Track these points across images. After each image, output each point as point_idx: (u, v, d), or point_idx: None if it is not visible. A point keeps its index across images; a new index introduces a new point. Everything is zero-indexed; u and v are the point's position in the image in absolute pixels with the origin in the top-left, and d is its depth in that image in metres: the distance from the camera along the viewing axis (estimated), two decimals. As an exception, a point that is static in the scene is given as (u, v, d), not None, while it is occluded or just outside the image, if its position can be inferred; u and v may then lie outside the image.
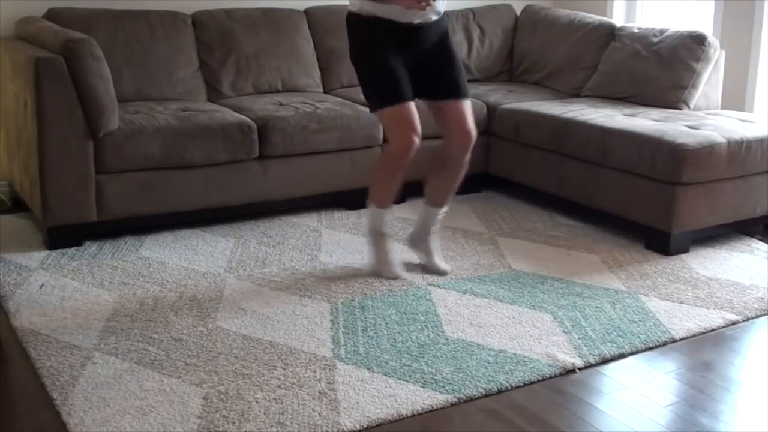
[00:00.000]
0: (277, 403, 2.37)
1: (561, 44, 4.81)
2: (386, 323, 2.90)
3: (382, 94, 3.11)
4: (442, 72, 3.21)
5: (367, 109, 3.36)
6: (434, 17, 3.14)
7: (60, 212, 3.46)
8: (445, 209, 3.39)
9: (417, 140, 3.10)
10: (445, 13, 3.23)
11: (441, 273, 3.35)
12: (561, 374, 2.60)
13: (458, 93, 3.22)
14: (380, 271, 3.30)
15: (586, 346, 2.77)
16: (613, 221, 3.86)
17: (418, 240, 3.42)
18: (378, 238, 3.31)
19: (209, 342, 2.73)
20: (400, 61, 3.12)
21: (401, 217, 4.05)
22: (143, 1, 4.22)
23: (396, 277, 3.26)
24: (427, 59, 3.18)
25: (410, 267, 3.40)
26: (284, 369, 2.56)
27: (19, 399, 2.44)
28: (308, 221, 3.96)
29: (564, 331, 2.87)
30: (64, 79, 3.36)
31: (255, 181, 3.83)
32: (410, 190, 4.29)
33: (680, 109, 4.17)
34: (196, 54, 4.24)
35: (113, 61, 3.73)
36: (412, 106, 3.11)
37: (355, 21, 3.15)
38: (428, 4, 2.94)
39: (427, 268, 3.38)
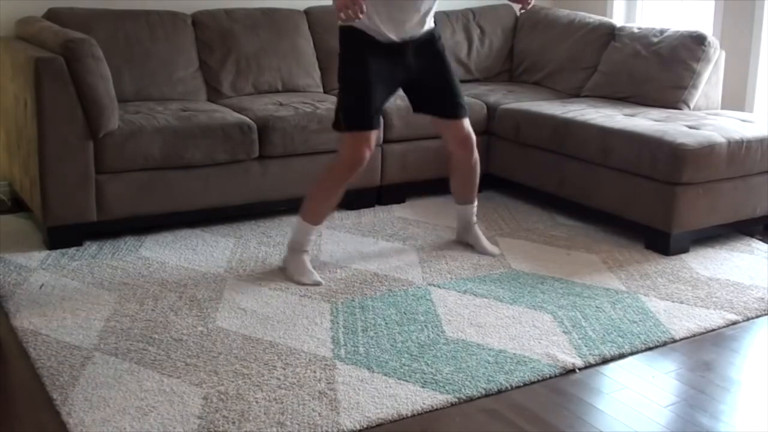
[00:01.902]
0: (277, 403, 2.37)
1: (561, 44, 4.81)
2: (386, 323, 2.90)
3: (355, 119, 3.16)
4: (438, 90, 3.33)
5: None
6: (419, 33, 3.18)
7: (60, 212, 3.46)
8: (474, 204, 3.62)
9: (368, 156, 3.19)
10: (437, 26, 3.29)
11: (491, 254, 3.57)
12: (561, 374, 2.60)
13: (458, 114, 3.37)
14: (300, 279, 3.23)
15: (586, 346, 2.77)
16: (613, 221, 3.86)
17: (465, 234, 3.66)
18: (297, 252, 3.29)
19: (209, 342, 2.73)
20: (385, 79, 3.16)
21: (401, 217, 4.05)
22: (143, 1, 4.22)
23: (316, 283, 3.21)
24: (424, 76, 3.26)
25: (404, 261, 3.42)
26: (284, 369, 2.56)
27: (19, 399, 2.43)
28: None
29: (564, 331, 2.87)
30: (64, 79, 3.36)
31: (255, 181, 3.83)
32: (410, 190, 4.32)
33: (680, 109, 4.17)
34: (196, 54, 4.24)
35: (113, 61, 3.73)
36: (374, 134, 3.20)
37: (345, 31, 3.17)
38: (357, 17, 2.85)
39: (479, 252, 3.60)
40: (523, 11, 3.36)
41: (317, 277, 3.25)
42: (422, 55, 3.23)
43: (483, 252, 3.58)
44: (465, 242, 3.67)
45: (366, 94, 3.13)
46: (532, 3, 3.24)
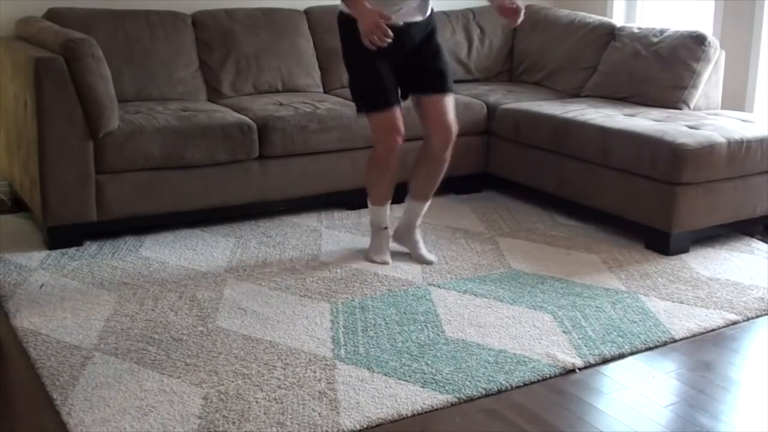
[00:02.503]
0: (277, 403, 2.37)
1: (561, 44, 4.81)
2: (386, 323, 2.90)
3: (370, 99, 3.24)
4: (425, 66, 3.31)
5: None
6: (419, 18, 3.21)
7: (60, 212, 3.46)
8: (427, 203, 3.51)
9: (400, 141, 3.27)
10: (432, 13, 3.31)
11: (427, 263, 3.46)
12: (561, 374, 2.60)
13: (440, 87, 3.30)
14: (372, 256, 3.46)
15: (586, 346, 2.77)
16: (613, 221, 3.86)
17: (404, 234, 3.54)
18: (377, 230, 3.49)
19: (209, 342, 2.73)
20: (389, 63, 3.20)
21: (401, 217, 4.04)
22: (143, 1, 4.22)
23: (383, 262, 3.43)
24: (415, 56, 3.28)
25: (404, 261, 3.45)
26: (284, 369, 2.56)
27: (19, 399, 2.43)
28: (308, 221, 3.96)
29: (564, 331, 2.87)
30: (64, 79, 3.36)
31: (255, 181, 3.83)
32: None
33: (680, 109, 4.17)
34: (196, 54, 4.24)
35: (113, 61, 3.73)
36: (398, 110, 3.25)
37: (344, 21, 3.21)
38: (382, 43, 2.97)
39: (415, 259, 3.48)
40: (510, 26, 3.34)
41: (387, 257, 3.45)
42: (417, 41, 3.25)
43: (419, 260, 3.45)
44: (401, 245, 3.53)
45: (373, 74, 3.18)
46: (520, 20, 3.14)
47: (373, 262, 3.43)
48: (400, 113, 3.25)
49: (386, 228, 3.49)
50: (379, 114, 3.22)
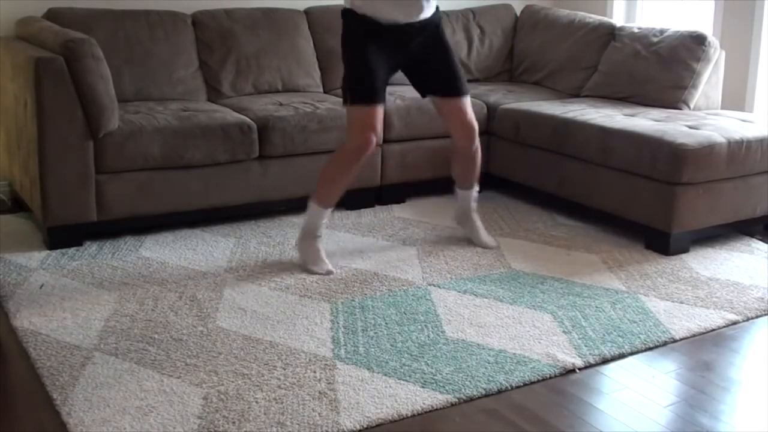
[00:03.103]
0: (277, 403, 2.37)
1: (561, 44, 4.81)
2: (386, 323, 2.90)
3: (356, 91, 3.25)
4: (439, 70, 3.38)
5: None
6: (422, 17, 3.24)
7: (60, 212, 3.46)
8: (476, 189, 3.65)
9: (374, 141, 3.25)
10: (437, 10, 3.33)
11: (487, 246, 3.62)
12: (561, 374, 2.60)
13: (458, 91, 3.41)
14: (312, 268, 3.33)
15: (586, 346, 2.77)
16: (613, 221, 3.86)
17: (463, 219, 3.71)
18: (310, 238, 3.37)
19: (209, 342, 2.73)
20: (386, 61, 3.24)
21: (401, 217, 4.05)
22: (143, 1, 4.22)
23: (328, 272, 3.31)
24: (423, 57, 3.33)
25: (404, 261, 3.43)
26: (284, 369, 2.56)
27: (19, 399, 2.43)
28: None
29: (564, 331, 2.87)
30: (64, 79, 3.36)
31: (255, 181, 3.83)
32: (410, 190, 4.32)
33: (680, 109, 4.17)
34: (196, 54, 4.24)
35: (113, 61, 3.73)
36: (380, 109, 3.26)
37: (347, 17, 3.27)
38: None
39: (476, 243, 3.65)
40: None
41: (329, 266, 3.33)
42: (424, 39, 3.29)
43: (479, 244, 3.62)
44: (463, 229, 3.69)
45: (366, 68, 3.20)
46: None
47: (314, 273, 3.29)
48: (382, 114, 3.27)
49: (320, 236, 3.38)
50: (361, 108, 3.22)
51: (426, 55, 3.33)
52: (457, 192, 3.68)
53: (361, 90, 3.23)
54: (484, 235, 3.66)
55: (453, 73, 3.39)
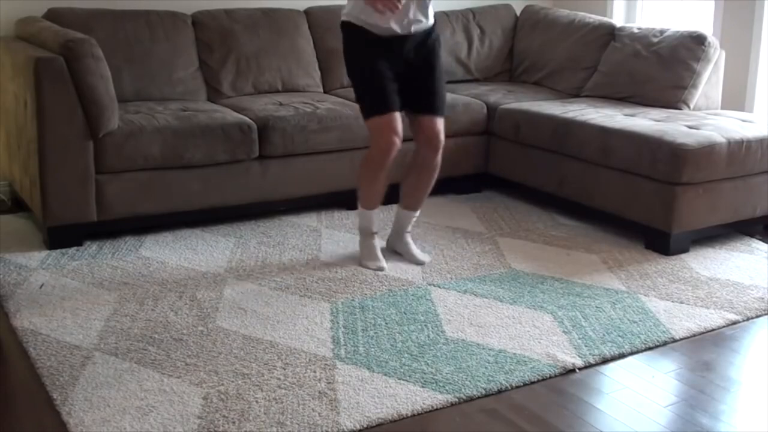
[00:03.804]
0: (277, 403, 2.37)
1: (561, 44, 4.81)
2: (386, 323, 2.90)
3: (372, 103, 3.25)
4: (420, 87, 3.33)
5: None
6: (417, 29, 3.22)
7: (60, 212, 3.46)
8: (417, 213, 3.54)
9: (398, 143, 3.25)
10: (436, 24, 3.32)
11: (420, 263, 3.46)
12: (561, 374, 2.60)
13: (433, 109, 3.34)
14: (366, 263, 3.41)
15: (586, 346, 2.77)
16: (613, 221, 3.86)
17: (395, 241, 3.57)
18: (367, 236, 3.45)
19: (209, 342, 2.73)
20: (389, 68, 3.22)
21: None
22: (143, 1, 4.22)
23: (379, 269, 3.37)
24: (413, 71, 3.29)
25: (403, 261, 3.45)
26: (284, 369, 2.56)
27: (19, 399, 2.44)
28: (308, 221, 3.96)
29: (564, 331, 2.87)
30: (64, 79, 3.36)
31: (255, 181, 3.83)
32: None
33: (680, 109, 4.17)
34: (196, 54, 4.24)
35: (113, 61, 3.73)
36: (398, 114, 3.25)
37: (346, 29, 3.27)
38: (396, 8, 3.04)
39: (409, 261, 3.49)
40: None
41: (383, 263, 3.40)
42: (419, 53, 3.27)
43: (413, 261, 3.46)
44: (393, 251, 3.54)
45: (375, 78, 3.20)
46: None
47: (367, 268, 3.38)
48: (399, 118, 3.25)
49: (376, 233, 3.47)
50: (379, 117, 3.22)
51: (416, 71, 3.28)
52: (397, 211, 3.53)
53: (375, 102, 3.23)
54: (418, 252, 3.51)
55: (434, 95, 3.33)
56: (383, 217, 4.03)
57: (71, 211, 3.48)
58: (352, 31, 3.24)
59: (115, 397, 2.38)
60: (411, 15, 3.20)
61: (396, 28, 3.19)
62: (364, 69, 3.25)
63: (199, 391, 2.42)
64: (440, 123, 3.36)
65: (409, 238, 3.54)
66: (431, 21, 3.29)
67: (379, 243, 3.50)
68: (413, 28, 3.22)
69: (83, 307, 2.97)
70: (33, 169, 3.48)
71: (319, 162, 3.97)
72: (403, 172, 3.49)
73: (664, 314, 3.03)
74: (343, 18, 3.28)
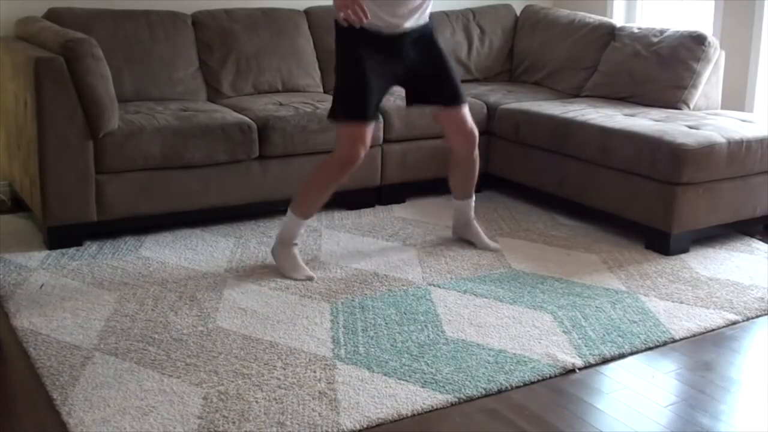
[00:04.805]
0: (277, 403, 2.37)
1: (561, 44, 4.81)
2: (386, 323, 2.90)
3: (348, 107, 3.18)
4: (438, 80, 3.33)
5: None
6: (410, 26, 3.18)
7: (60, 212, 3.46)
8: (473, 198, 3.66)
9: (363, 155, 3.20)
10: (431, 19, 3.30)
11: (492, 250, 3.62)
12: (561, 374, 2.60)
13: (457, 100, 3.37)
14: (292, 275, 3.28)
15: (586, 346, 2.77)
16: (613, 221, 3.86)
17: (464, 230, 3.69)
18: (288, 246, 3.33)
19: (209, 342, 2.73)
20: (381, 74, 3.17)
21: (401, 217, 4.05)
22: (143, 1, 4.22)
23: (308, 278, 3.26)
24: (420, 67, 3.27)
25: (403, 261, 3.43)
26: (284, 369, 2.56)
27: (19, 399, 2.44)
28: (308, 221, 3.95)
29: (564, 331, 2.87)
30: (64, 79, 3.36)
31: (255, 181, 3.83)
32: (410, 190, 4.32)
33: (680, 109, 4.17)
34: (196, 54, 4.24)
35: (113, 61, 3.73)
36: (371, 125, 3.21)
37: (340, 27, 3.17)
38: (359, 19, 2.93)
39: (480, 248, 3.64)
40: None
41: (309, 272, 3.29)
42: (418, 47, 3.24)
43: (484, 247, 3.62)
44: (465, 239, 3.68)
45: (360, 84, 3.14)
46: None
47: (295, 279, 3.25)
48: (372, 128, 3.21)
49: (296, 244, 3.35)
50: (353, 125, 3.15)
51: (422, 64, 3.26)
52: (455, 203, 3.67)
53: (354, 108, 3.15)
54: (488, 240, 3.66)
55: (451, 82, 3.34)
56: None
57: (71, 211, 3.48)
58: (347, 29, 3.09)
59: (115, 397, 2.38)
60: (407, 14, 3.16)
61: (387, 26, 3.12)
62: (352, 70, 3.16)
63: (199, 391, 2.42)
64: (468, 115, 3.41)
65: (477, 226, 3.67)
66: (425, 17, 3.25)
67: (298, 253, 3.36)
68: (407, 26, 3.16)
69: (83, 307, 2.97)
70: (33, 169, 3.48)
71: (319, 162, 3.96)
72: (449, 168, 3.61)
73: (664, 314, 3.03)
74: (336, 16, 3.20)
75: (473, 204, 3.67)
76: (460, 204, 3.66)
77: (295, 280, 3.25)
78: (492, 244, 3.65)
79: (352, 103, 3.16)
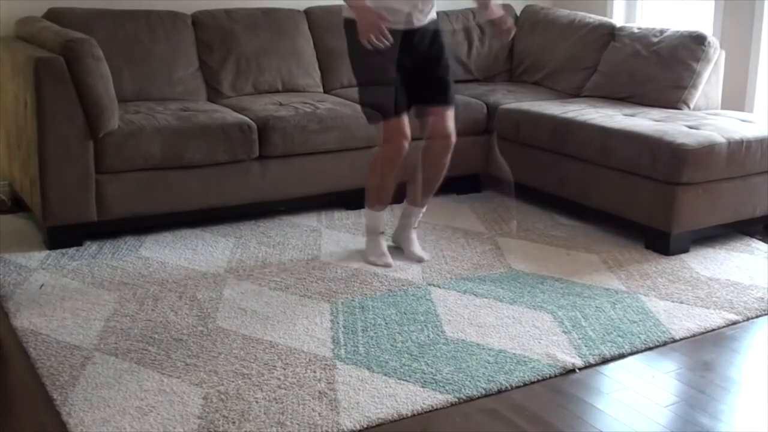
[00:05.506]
0: (277, 403, 2.37)
1: (561, 44, 4.81)
2: (386, 323, 2.90)
3: (382, 108, 3.22)
4: (429, 75, 3.32)
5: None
6: (421, 23, 3.20)
7: (60, 212, 3.46)
8: (423, 209, 3.57)
9: (407, 145, 3.24)
10: (438, 15, 3.33)
11: (419, 260, 3.47)
12: (561, 374, 2.60)
13: (443, 99, 3.35)
14: (372, 260, 3.43)
15: (586, 346, 2.77)
16: (613, 221, 3.86)
17: (399, 236, 3.60)
18: (374, 235, 3.47)
19: (209, 342, 2.73)
20: (395, 67, 3.18)
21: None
22: (143, 1, 4.22)
23: (386, 265, 3.40)
24: (420, 64, 3.27)
25: (404, 260, 3.46)
26: (284, 369, 2.56)
27: (19, 399, 2.44)
28: (308, 221, 3.96)
29: (564, 331, 2.87)
30: (64, 79, 3.36)
31: (255, 181, 3.83)
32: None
33: (680, 109, 4.17)
34: (196, 54, 4.24)
35: (113, 61, 3.73)
36: (406, 117, 3.25)
37: (349, 27, 3.16)
38: (382, 44, 2.98)
39: (407, 257, 3.50)
40: (502, 44, 3.39)
41: (389, 259, 3.42)
42: (424, 45, 3.25)
43: (411, 257, 3.48)
44: (396, 245, 3.57)
45: (382, 79, 3.17)
46: (512, 35, 3.28)
47: (374, 265, 3.40)
48: (407, 119, 3.25)
49: (383, 233, 3.49)
50: (389, 122, 3.22)
51: (423, 63, 3.26)
52: (404, 208, 3.56)
53: (384, 105, 3.20)
54: (419, 250, 3.52)
55: (443, 81, 3.33)
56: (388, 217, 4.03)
57: (71, 211, 3.48)
58: (354, 30, 3.06)
59: (115, 397, 2.38)
60: (414, 11, 3.16)
61: (399, 24, 3.13)
62: (372, 71, 3.19)
63: (199, 391, 2.42)
64: (452, 119, 3.37)
65: (413, 235, 3.56)
66: (433, 14, 3.28)
67: (386, 242, 3.51)
68: (418, 23, 3.18)
69: (83, 307, 2.97)
70: (33, 169, 3.48)
71: (319, 162, 3.97)
72: (411, 169, 3.48)
73: (664, 314, 3.03)
74: (345, 15, 3.20)
75: (420, 215, 3.55)
76: (411, 210, 3.53)
77: (375, 265, 3.38)
78: (422, 253, 3.50)
79: (383, 102, 3.20)
